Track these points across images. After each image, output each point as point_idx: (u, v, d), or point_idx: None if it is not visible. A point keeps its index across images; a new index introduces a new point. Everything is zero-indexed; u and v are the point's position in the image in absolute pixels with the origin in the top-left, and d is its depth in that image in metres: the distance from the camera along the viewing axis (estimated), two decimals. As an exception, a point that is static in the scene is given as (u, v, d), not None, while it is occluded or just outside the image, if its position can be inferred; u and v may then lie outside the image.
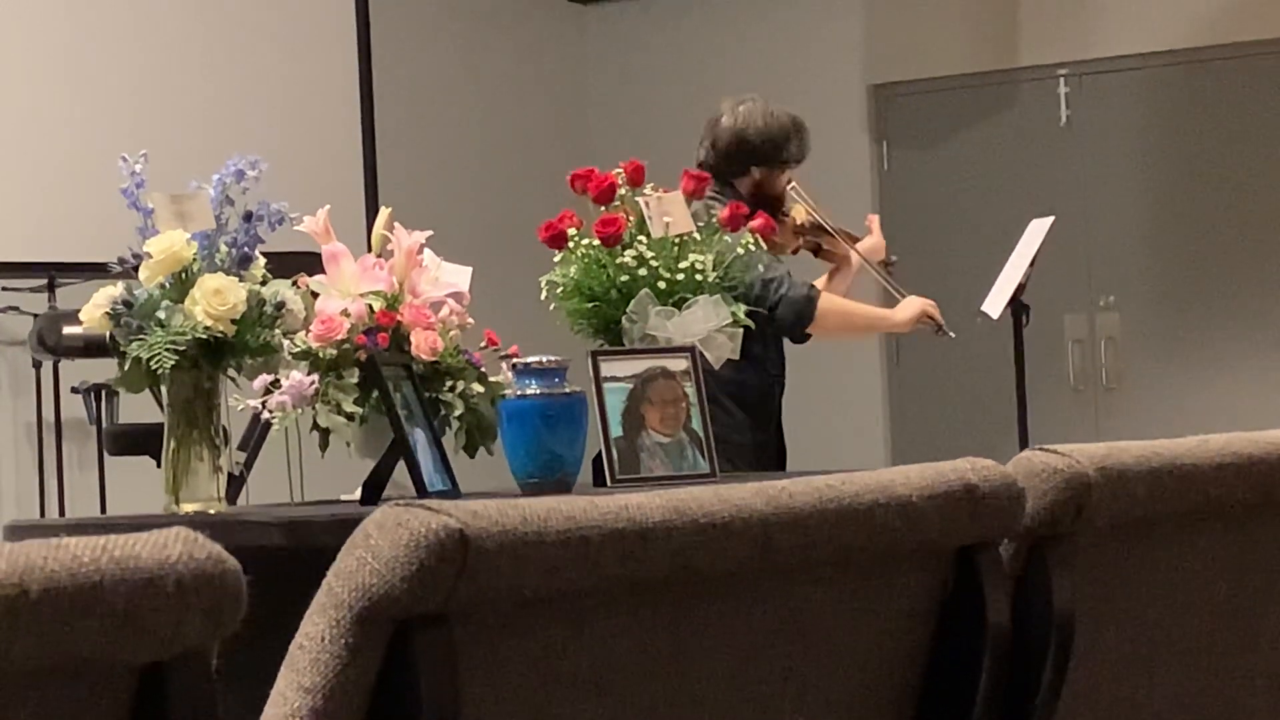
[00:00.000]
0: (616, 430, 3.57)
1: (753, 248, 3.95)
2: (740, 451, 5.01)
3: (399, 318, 3.55)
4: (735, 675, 1.54)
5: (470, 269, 3.74)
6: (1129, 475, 1.85)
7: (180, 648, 1.19)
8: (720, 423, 4.44)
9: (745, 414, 5.12)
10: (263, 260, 3.47)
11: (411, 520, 1.30)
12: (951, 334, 5.33)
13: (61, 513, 6.67)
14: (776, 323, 4.97)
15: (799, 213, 5.34)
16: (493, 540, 1.32)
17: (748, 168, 5.25)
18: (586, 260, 3.80)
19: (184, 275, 3.36)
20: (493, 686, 1.37)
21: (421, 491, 3.34)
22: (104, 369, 4.06)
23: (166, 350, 3.29)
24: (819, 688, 1.63)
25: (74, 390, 6.77)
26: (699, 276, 3.80)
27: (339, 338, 3.49)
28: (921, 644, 1.72)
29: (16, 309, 6.79)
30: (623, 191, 3.86)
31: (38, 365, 6.78)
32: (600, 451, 3.59)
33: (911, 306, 5.27)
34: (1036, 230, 5.72)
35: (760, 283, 4.79)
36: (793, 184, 5.31)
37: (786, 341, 5.22)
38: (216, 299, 3.32)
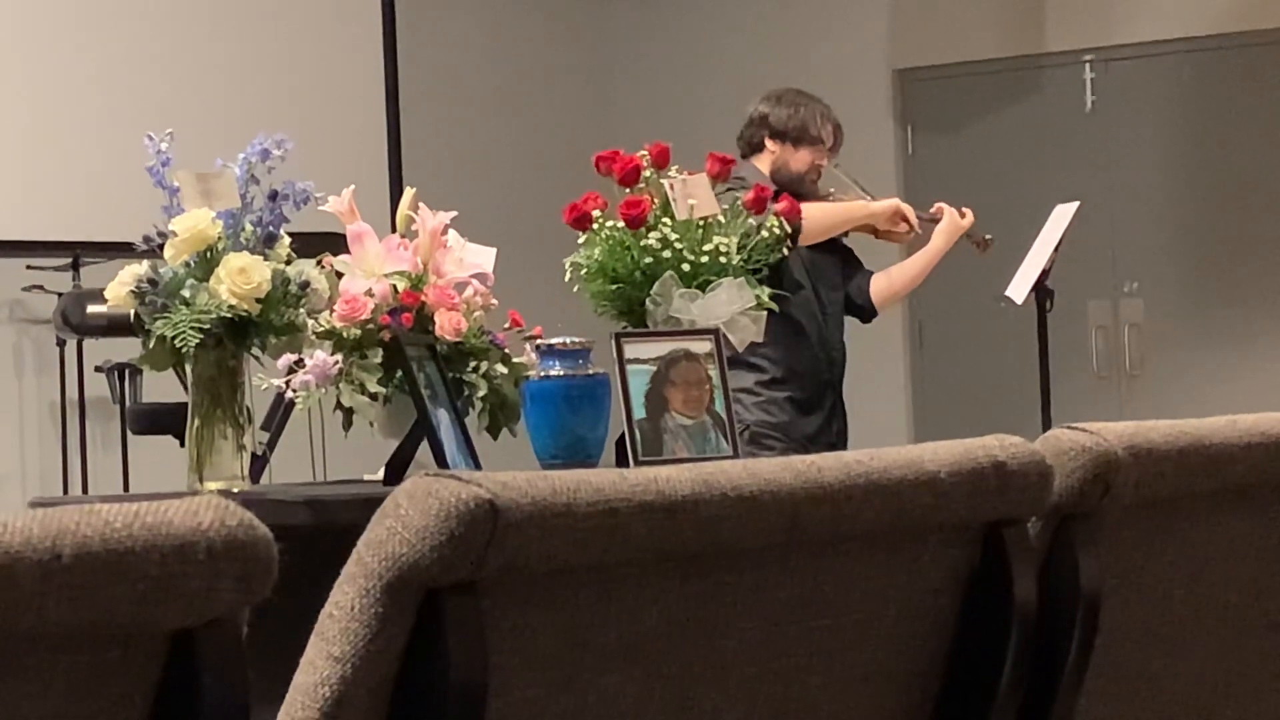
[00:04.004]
0: (640, 412, 3.57)
1: (777, 230, 3.95)
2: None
3: (423, 298, 3.55)
4: (762, 647, 1.54)
5: (494, 250, 3.74)
6: (1156, 454, 1.85)
7: (211, 614, 1.19)
8: None
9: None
10: (287, 239, 3.47)
11: (442, 490, 1.30)
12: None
13: (85, 491, 6.69)
14: None
15: (850, 198, 5.40)
16: (522, 511, 1.32)
17: (762, 140, 5.31)
18: (611, 242, 3.80)
19: (209, 254, 3.37)
20: (521, 655, 1.38)
21: (445, 471, 3.34)
22: (127, 348, 4.06)
23: (191, 329, 3.30)
24: (845, 661, 1.63)
25: (98, 369, 6.79)
26: (723, 259, 3.80)
27: (363, 318, 3.49)
28: (948, 620, 1.72)
29: (41, 288, 6.80)
30: (647, 174, 3.86)
31: (62, 344, 6.80)
32: (623, 433, 3.59)
33: (890, 201, 5.40)
34: (1061, 216, 5.71)
35: None
36: (839, 167, 5.39)
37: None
38: (241, 278, 3.32)
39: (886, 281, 5.49)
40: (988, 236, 5.54)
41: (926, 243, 5.48)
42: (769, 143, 5.34)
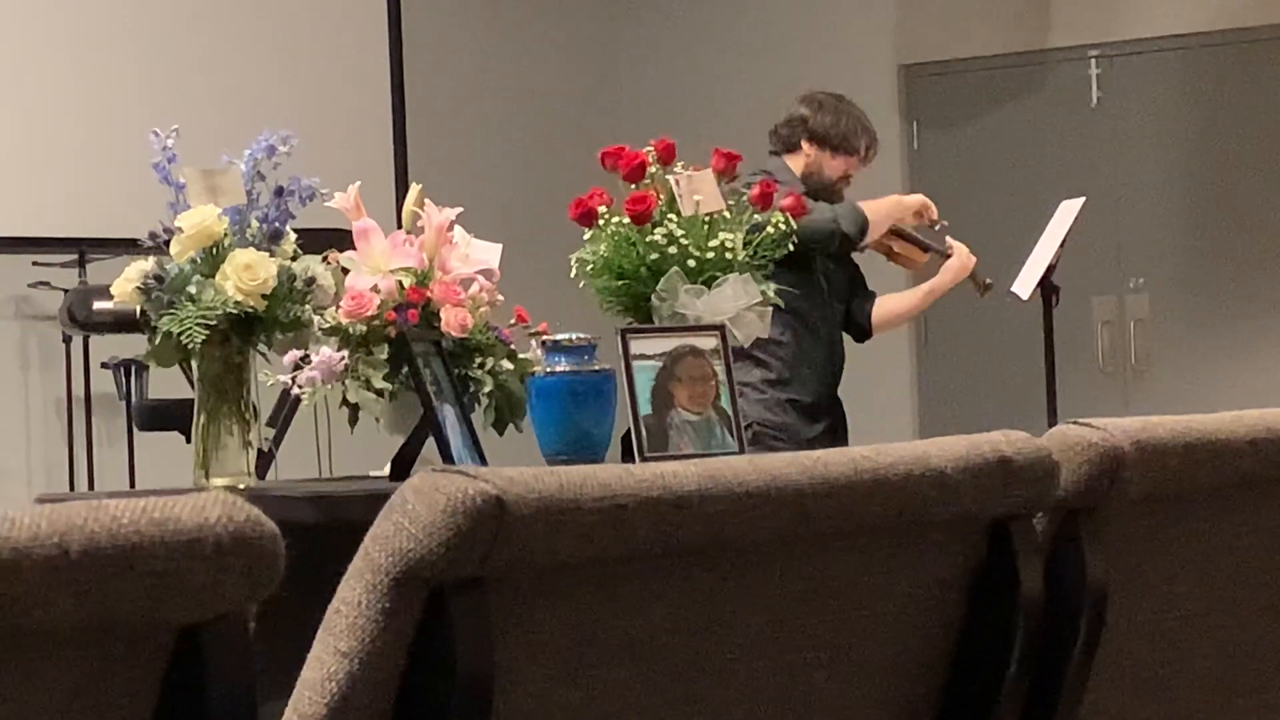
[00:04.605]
0: (645, 408, 3.57)
1: (783, 226, 3.95)
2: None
3: (429, 294, 3.55)
4: (769, 642, 1.55)
5: (500, 246, 3.74)
6: (1163, 449, 1.85)
7: (218, 610, 1.19)
8: None
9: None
10: (293, 236, 3.47)
11: (449, 486, 1.31)
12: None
13: (91, 487, 6.70)
14: (844, 235, 5.18)
15: None
16: (529, 506, 1.32)
17: (799, 141, 5.36)
18: (616, 238, 3.80)
19: (215, 250, 3.37)
20: (527, 651, 1.38)
21: (451, 467, 3.34)
22: (134, 344, 4.07)
23: (197, 325, 3.30)
24: (852, 656, 1.63)
25: (104, 365, 6.80)
26: (729, 255, 3.80)
27: (369, 314, 3.49)
28: (955, 614, 1.72)
29: (47, 284, 6.81)
30: (653, 169, 3.86)
31: (68, 340, 6.81)
32: (629, 429, 3.59)
33: (917, 196, 5.60)
34: (1067, 211, 5.71)
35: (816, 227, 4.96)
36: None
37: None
38: (247, 274, 3.32)
39: (887, 308, 5.60)
40: (989, 281, 5.63)
41: (931, 271, 5.59)
42: (805, 145, 5.42)
